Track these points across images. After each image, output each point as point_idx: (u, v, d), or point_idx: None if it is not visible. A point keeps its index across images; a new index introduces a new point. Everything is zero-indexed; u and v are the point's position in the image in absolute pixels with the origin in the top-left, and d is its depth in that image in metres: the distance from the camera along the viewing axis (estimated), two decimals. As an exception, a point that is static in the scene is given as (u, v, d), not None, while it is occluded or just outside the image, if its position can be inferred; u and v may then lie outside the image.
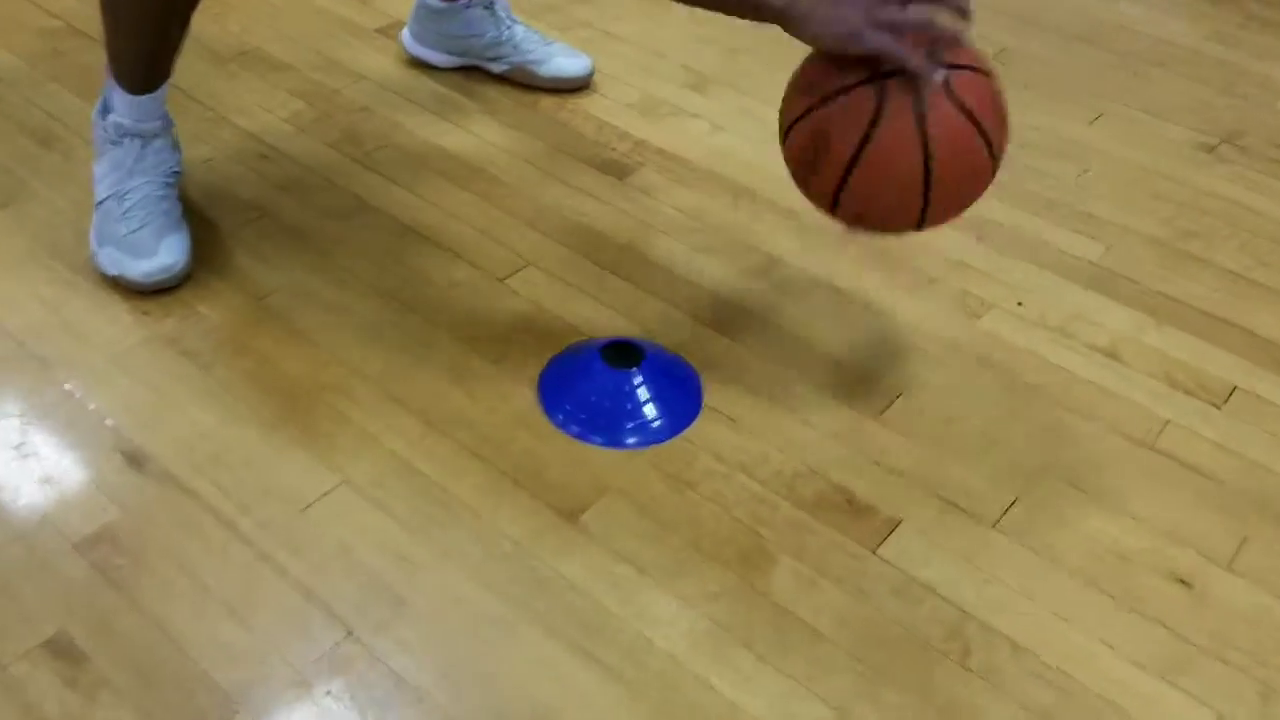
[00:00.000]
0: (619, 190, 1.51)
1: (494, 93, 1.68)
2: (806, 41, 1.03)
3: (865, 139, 1.01)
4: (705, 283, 1.36)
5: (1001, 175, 1.65)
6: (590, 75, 1.70)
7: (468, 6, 1.64)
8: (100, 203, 1.32)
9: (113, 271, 1.29)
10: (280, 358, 1.23)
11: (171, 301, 1.28)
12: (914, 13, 1.01)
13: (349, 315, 1.29)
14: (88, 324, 1.25)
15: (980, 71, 1.04)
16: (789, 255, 1.41)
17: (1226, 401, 1.24)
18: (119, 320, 1.26)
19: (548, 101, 1.67)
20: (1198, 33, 1.95)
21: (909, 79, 0.99)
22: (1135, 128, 1.70)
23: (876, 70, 1.00)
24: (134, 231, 1.29)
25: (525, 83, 1.69)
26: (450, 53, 1.71)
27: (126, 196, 1.30)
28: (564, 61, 1.69)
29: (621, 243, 1.41)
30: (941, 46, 1.01)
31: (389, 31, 1.79)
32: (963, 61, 1.02)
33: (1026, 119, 1.70)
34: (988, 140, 1.03)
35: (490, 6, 1.66)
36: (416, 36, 1.72)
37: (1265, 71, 1.85)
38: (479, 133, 1.60)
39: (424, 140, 1.58)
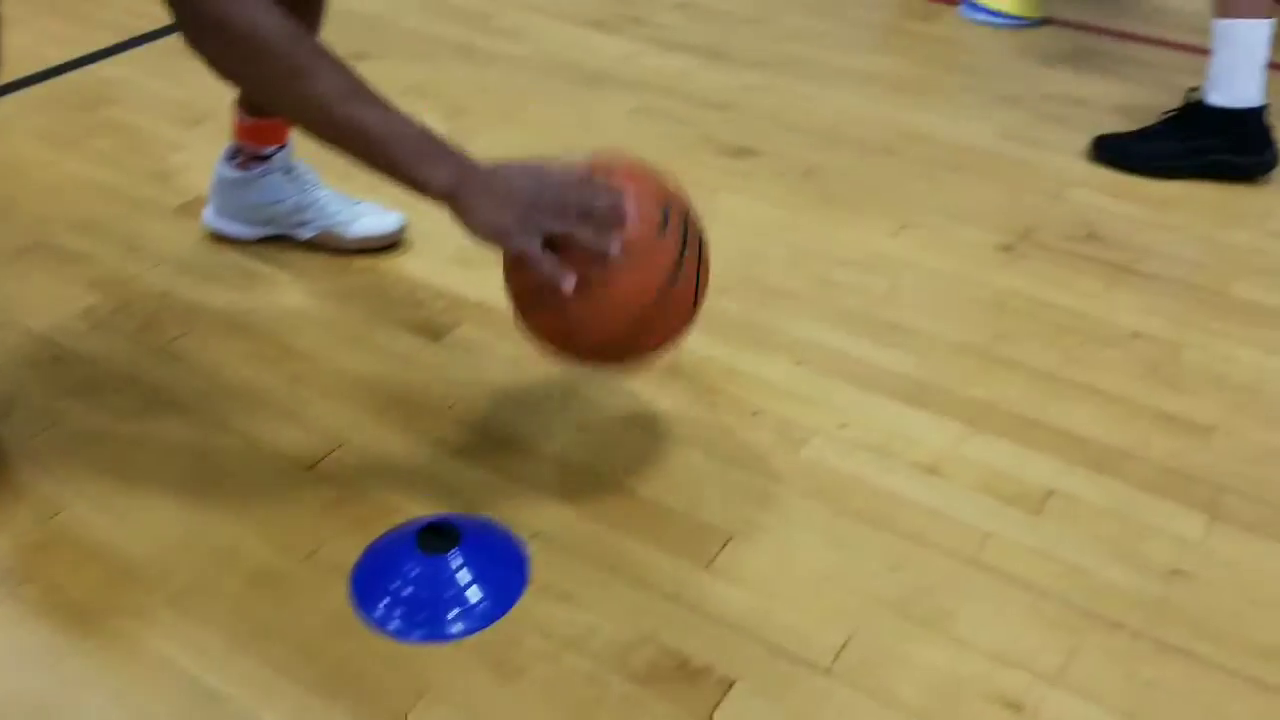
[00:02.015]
0: (435, 352, 1.48)
1: (303, 260, 1.65)
2: (466, 231, 1.08)
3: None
4: (530, 443, 1.33)
5: (816, 294, 1.69)
6: (402, 231, 1.68)
7: (265, 174, 1.62)
8: None
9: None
10: (69, 583, 1.14)
11: (-51, 533, 1.19)
12: (568, 223, 1.06)
13: (145, 527, 1.21)
14: None
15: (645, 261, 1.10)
16: (607, 399, 1.40)
17: (1044, 505, 1.26)
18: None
19: (360, 264, 1.65)
20: (992, 134, 2.05)
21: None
22: (937, 235, 1.76)
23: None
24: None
25: (335, 247, 1.66)
26: (254, 223, 1.67)
27: None
28: (373, 220, 1.67)
29: (439, 410, 1.38)
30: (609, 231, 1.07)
31: (191, 209, 1.75)
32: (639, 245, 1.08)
33: (835, 235, 1.75)
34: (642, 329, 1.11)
35: (290, 171, 1.64)
36: (218, 210, 1.68)
37: (1055, 164, 1.95)
38: (287, 306, 1.56)
39: (228, 321, 1.53)
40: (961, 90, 2.21)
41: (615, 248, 1.06)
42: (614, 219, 1.06)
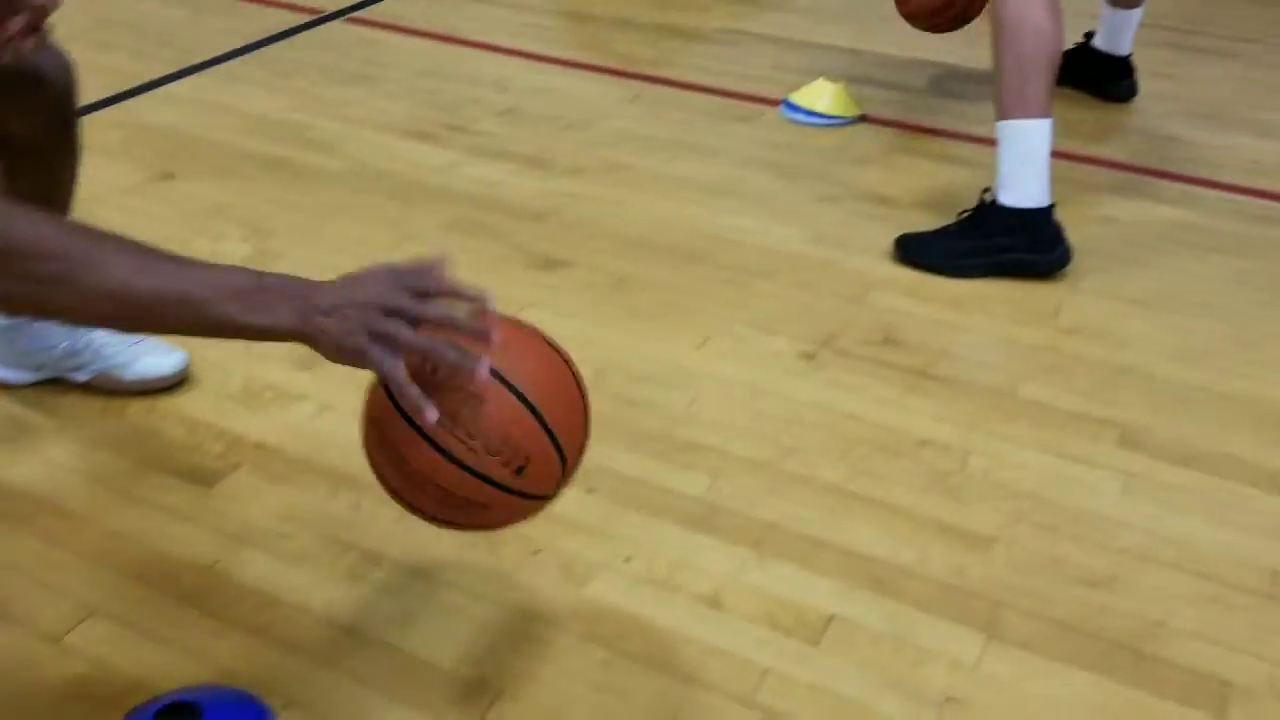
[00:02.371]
0: (206, 502, 1.41)
1: (76, 406, 1.56)
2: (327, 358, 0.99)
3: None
4: (294, 600, 1.27)
5: (615, 415, 1.66)
6: (183, 371, 1.62)
7: (35, 319, 1.54)
8: None
9: None
10: None
11: None
12: (410, 335, 0.97)
13: None
14: None
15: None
16: (387, 547, 1.35)
17: (824, 634, 1.25)
18: None
19: (137, 406, 1.57)
20: (802, 237, 2.08)
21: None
22: (741, 345, 1.76)
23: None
24: None
25: (112, 389, 1.58)
26: (27, 368, 1.59)
27: None
28: (152, 361, 1.60)
29: (203, 567, 1.31)
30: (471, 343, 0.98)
31: (-40, 352, 1.67)
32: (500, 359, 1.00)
33: (639, 349, 1.73)
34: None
35: (62, 317, 1.57)
36: (-10, 356, 1.60)
37: (861, 266, 1.98)
38: (52, 457, 1.47)
39: (-14, 478, 1.44)
40: (776, 192, 2.23)
41: (482, 371, 0.97)
42: (478, 331, 0.98)
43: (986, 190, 1.94)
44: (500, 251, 1.99)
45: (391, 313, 0.97)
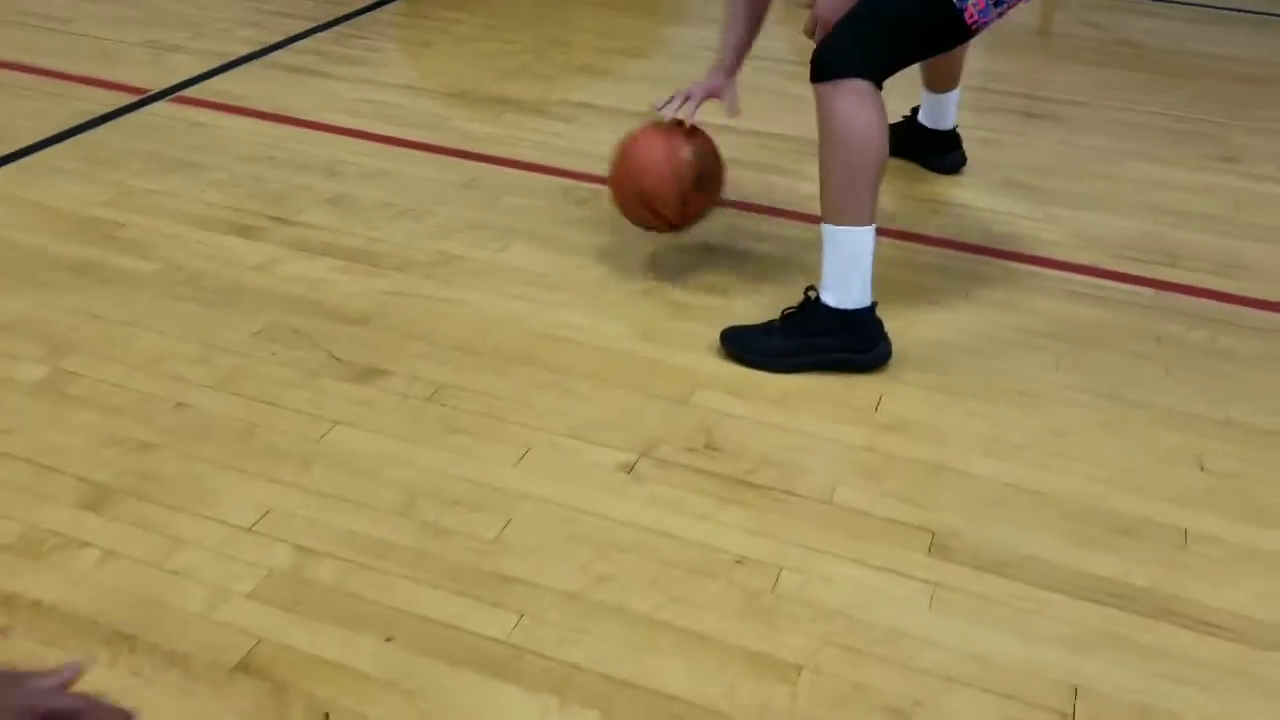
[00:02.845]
0: (-29, 675, 1.32)
1: None
2: None
3: None
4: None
5: (422, 547, 1.59)
6: (-43, 520, 1.52)
7: None
8: None
9: None
10: None
11: None
12: None
13: None
14: None
15: None
16: (160, 717, 1.27)
17: (624, 790, 1.22)
18: None
19: (-95, 563, 1.47)
20: (631, 333, 2.06)
21: None
22: (561, 458, 1.72)
23: None
24: None
25: (-124, 545, 1.48)
26: None
27: None
28: (-79, 513, 1.50)
29: (-42, 756, 1.22)
30: None
31: None
32: None
33: (454, 468, 1.69)
34: None
35: None
36: None
37: (687, 364, 1.97)
38: None
39: None
40: (609, 283, 2.21)
41: None
42: None
43: (811, 288, 1.96)
44: (314, 362, 1.92)
45: None
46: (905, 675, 1.38)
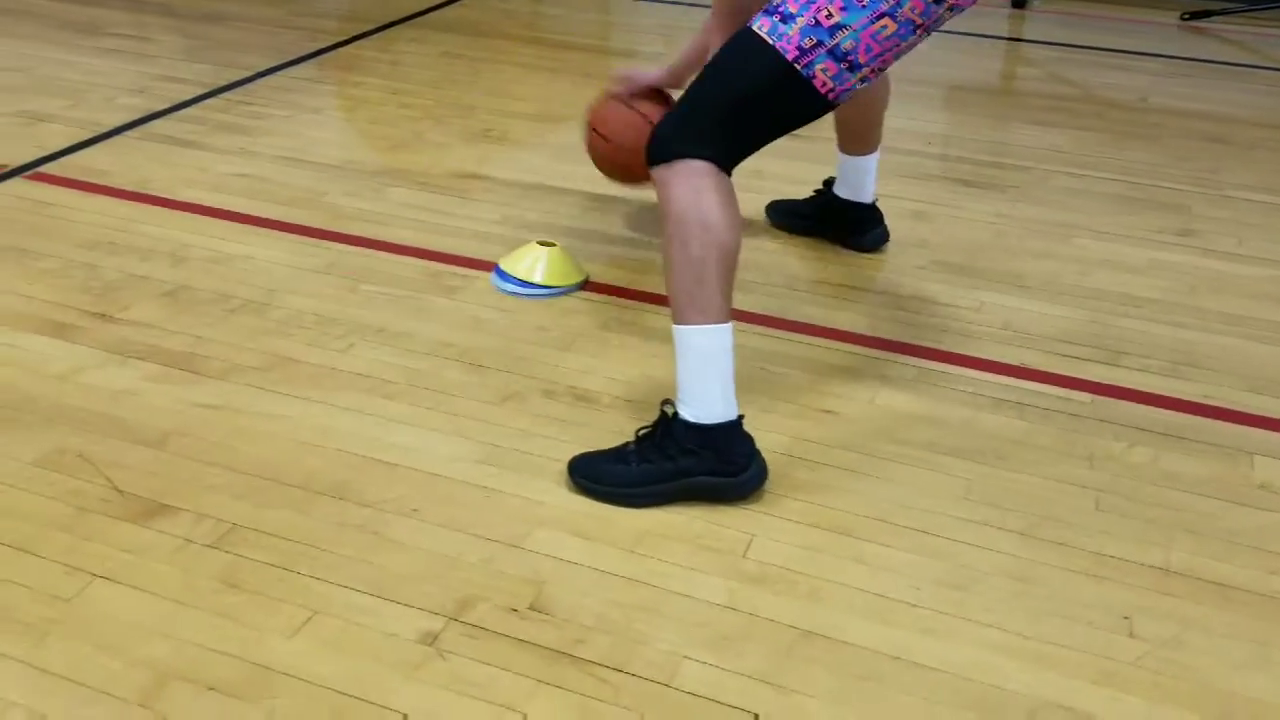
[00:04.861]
0: None
1: None
2: None
3: None
4: None
5: None
6: None
7: None
8: None
9: None
10: None
11: None
12: None
13: None
14: None
15: None
16: None
17: None
18: None
19: None
20: (473, 455, 1.77)
21: None
22: (350, 627, 1.43)
23: None
24: None
25: None
26: None
27: None
28: None
29: None
30: None
31: None
32: None
33: (221, 638, 1.39)
34: None
35: None
36: None
37: (531, 495, 1.67)
38: None
39: None
40: (460, 390, 1.94)
41: None
42: None
43: (667, 402, 1.68)
44: (94, 496, 1.63)
45: None
46: None
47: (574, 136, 3.10)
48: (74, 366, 1.95)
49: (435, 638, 1.41)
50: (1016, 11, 4.93)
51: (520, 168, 2.89)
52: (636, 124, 2.12)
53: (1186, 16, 4.86)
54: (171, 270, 2.29)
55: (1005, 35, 4.56)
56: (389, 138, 3.08)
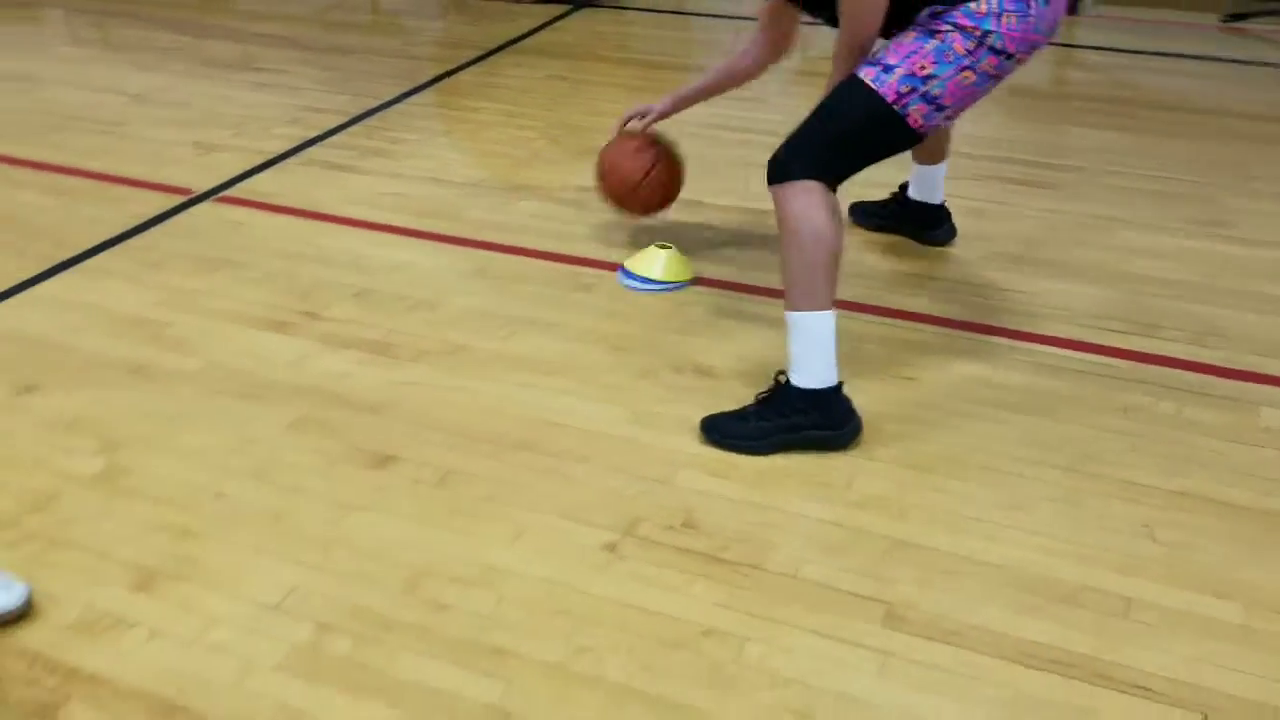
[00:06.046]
0: (31, 745, 1.52)
1: (-83, 647, 1.67)
2: None
3: None
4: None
5: (427, 622, 1.77)
6: (25, 605, 1.72)
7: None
8: None
9: None
10: None
11: None
12: None
13: None
14: None
15: None
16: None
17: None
18: None
19: (-24, 644, 1.68)
20: (622, 417, 2.24)
21: None
22: (550, 538, 1.90)
23: None
24: None
25: (-48, 623, 1.70)
26: None
27: None
28: (-6, 598, 1.72)
29: (20, 816, 1.42)
30: None
31: None
32: None
33: (456, 549, 1.87)
34: None
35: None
36: None
37: (671, 446, 2.14)
38: (-113, 709, 1.58)
39: None
40: (604, 368, 2.40)
41: None
42: None
43: (780, 372, 2.13)
44: (336, 450, 2.13)
45: None
46: (850, 738, 1.53)
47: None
48: (299, 355, 2.44)
49: (614, 547, 1.87)
50: (1070, 17, 5.28)
51: (628, 181, 3.35)
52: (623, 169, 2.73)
53: (1226, 19, 5.17)
54: (354, 275, 2.78)
55: (1058, 41, 4.92)
56: (511, 156, 3.56)
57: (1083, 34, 5.15)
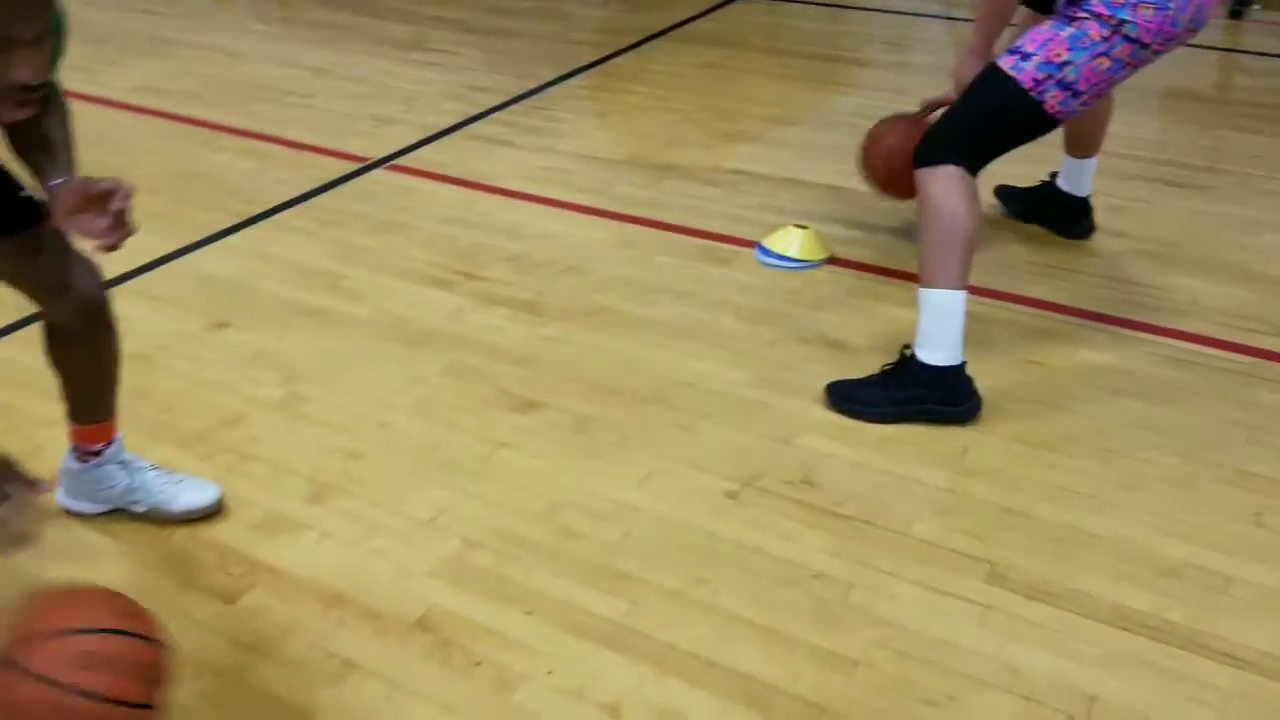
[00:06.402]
0: (227, 617, 1.76)
1: (134, 532, 1.94)
2: None
3: None
4: (285, 698, 1.60)
5: (559, 546, 1.96)
6: (217, 504, 1.98)
7: (99, 465, 1.92)
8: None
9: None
10: None
11: None
12: None
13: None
14: None
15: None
16: (362, 659, 1.67)
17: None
18: None
19: (180, 534, 1.94)
20: (750, 380, 2.38)
21: None
22: (677, 483, 2.06)
23: None
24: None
25: (162, 519, 1.96)
26: (97, 502, 1.97)
27: None
28: (192, 495, 1.97)
29: (225, 671, 1.65)
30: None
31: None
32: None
33: (590, 486, 2.05)
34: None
35: (122, 461, 1.95)
36: (68, 491, 1.98)
37: (794, 410, 2.27)
38: (112, 576, 1.83)
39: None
40: (736, 336, 2.55)
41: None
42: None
43: (907, 346, 2.23)
44: (487, 394, 2.34)
45: None
46: (944, 676, 1.64)
47: (813, 136, 3.69)
48: (456, 309, 2.67)
49: (735, 495, 2.02)
50: (1232, 22, 5.13)
51: (769, 164, 3.49)
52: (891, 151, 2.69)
53: None
54: (510, 241, 3.00)
55: (1220, 45, 4.80)
56: (659, 138, 3.73)
57: (1248, 39, 5.01)
